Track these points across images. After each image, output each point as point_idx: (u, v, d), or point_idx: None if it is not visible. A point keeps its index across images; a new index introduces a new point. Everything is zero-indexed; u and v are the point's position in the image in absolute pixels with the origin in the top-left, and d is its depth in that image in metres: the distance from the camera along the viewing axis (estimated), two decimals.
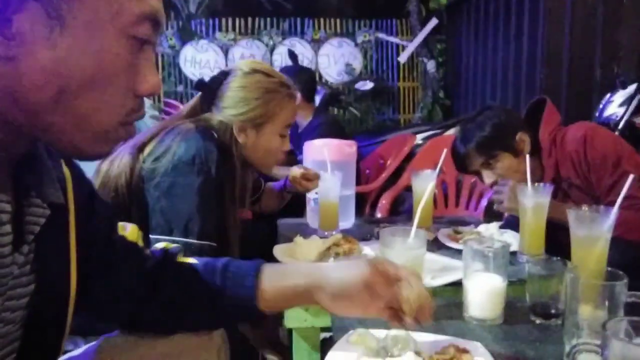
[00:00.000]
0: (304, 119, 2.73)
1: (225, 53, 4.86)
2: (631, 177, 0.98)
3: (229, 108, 1.29)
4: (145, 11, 0.55)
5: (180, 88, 4.79)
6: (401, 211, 2.51)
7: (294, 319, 1.13)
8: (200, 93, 1.35)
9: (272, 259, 1.24)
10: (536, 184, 1.26)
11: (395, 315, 0.75)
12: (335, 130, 2.45)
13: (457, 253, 1.30)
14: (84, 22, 0.51)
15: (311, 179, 1.52)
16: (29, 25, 0.49)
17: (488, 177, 1.53)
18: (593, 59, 3.01)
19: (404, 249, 0.93)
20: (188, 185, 1.17)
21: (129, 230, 0.82)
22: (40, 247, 0.61)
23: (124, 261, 0.77)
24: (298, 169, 1.55)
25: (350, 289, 0.73)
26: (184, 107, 1.38)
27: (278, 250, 1.30)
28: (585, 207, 1.03)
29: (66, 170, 0.68)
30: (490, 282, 0.93)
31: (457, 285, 1.07)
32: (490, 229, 1.43)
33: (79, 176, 0.70)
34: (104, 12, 0.52)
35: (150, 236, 1.17)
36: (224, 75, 1.32)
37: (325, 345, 1.47)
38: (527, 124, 1.55)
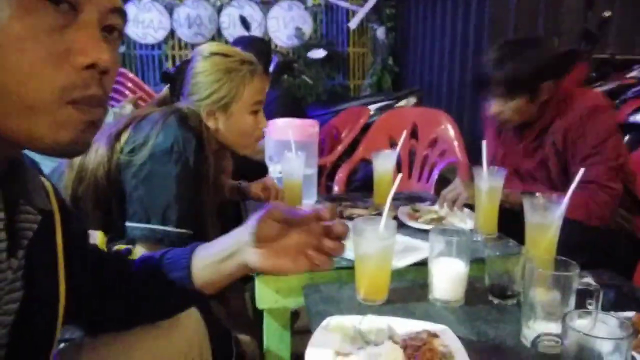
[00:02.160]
0: None
1: (170, 13, 4.69)
2: (582, 170, 1.06)
3: (194, 94, 1.29)
4: None
5: (122, 49, 4.59)
6: (354, 180, 2.58)
7: (265, 300, 1.17)
8: (168, 85, 1.34)
9: None
10: (492, 167, 1.34)
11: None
12: (291, 103, 2.46)
13: (417, 232, 1.37)
14: None
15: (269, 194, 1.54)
16: None
17: (495, 107, 1.54)
18: (536, 33, 3.13)
19: (375, 238, 0.98)
20: (166, 174, 1.18)
21: (96, 238, 0.82)
22: (29, 253, 0.61)
23: (98, 271, 0.78)
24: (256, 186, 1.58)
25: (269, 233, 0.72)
26: (154, 99, 1.36)
27: None
28: (538, 194, 1.11)
29: (44, 179, 0.68)
30: (454, 267, 1.00)
31: (420, 265, 1.15)
32: (445, 211, 1.50)
33: (56, 186, 0.71)
34: None
35: (127, 224, 1.17)
36: (186, 64, 1.32)
37: (293, 320, 1.54)
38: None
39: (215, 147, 1.31)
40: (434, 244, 1.02)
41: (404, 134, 1.61)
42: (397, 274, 1.14)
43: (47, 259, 0.66)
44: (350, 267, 1.07)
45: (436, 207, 1.55)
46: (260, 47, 2.77)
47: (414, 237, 1.33)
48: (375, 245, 0.99)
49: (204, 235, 1.24)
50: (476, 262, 1.11)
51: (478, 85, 1.57)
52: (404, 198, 1.72)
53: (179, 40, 4.75)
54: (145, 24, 4.69)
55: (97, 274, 0.79)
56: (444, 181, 2.26)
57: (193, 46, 4.71)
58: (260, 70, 1.36)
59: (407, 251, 1.24)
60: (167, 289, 0.79)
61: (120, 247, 0.89)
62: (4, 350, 0.61)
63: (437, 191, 2.19)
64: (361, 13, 4.76)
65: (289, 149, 1.52)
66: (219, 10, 4.76)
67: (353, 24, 4.81)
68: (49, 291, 0.66)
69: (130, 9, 4.57)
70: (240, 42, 2.92)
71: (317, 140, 1.67)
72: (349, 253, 1.08)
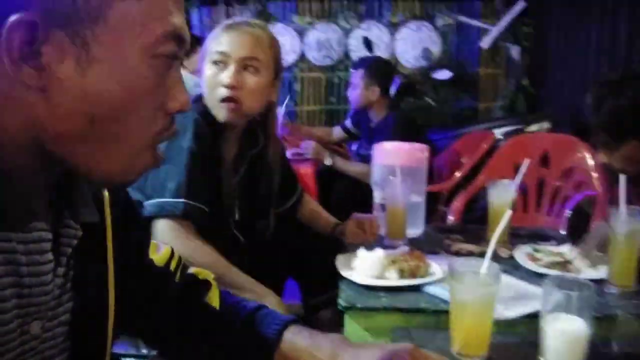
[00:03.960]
0: (378, 114, 2.66)
1: (301, 37, 4.82)
2: None
3: None
4: (167, 30, 0.53)
5: None
6: (476, 209, 2.38)
7: (353, 338, 1.08)
8: None
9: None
10: (632, 207, 1.12)
11: None
12: (409, 129, 2.36)
13: (535, 277, 1.19)
14: (108, 47, 0.50)
15: (365, 229, 1.43)
16: (56, 55, 0.48)
17: (602, 158, 1.33)
18: None
19: (474, 284, 0.85)
20: (179, 148, 1.22)
21: (161, 252, 0.80)
22: (78, 265, 0.62)
23: (151, 288, 0.78)
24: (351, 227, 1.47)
25: None
26: None
27: (340, 260, 1.25)
28: None
29: (104, 190, 0.68)
30: (572, 327, 0.83)
31: (534, 317, 0.98)
32: (574, 253, 1.29)
33: (118, 195, 0.70)
34: (127, 36, 0.51)
35: (145, 203, 1.23)
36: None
37: None
38: None
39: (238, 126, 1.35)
40: (549, 296, 0.85)
41: (526, 161, 1.43)
42: (504, 325, 0.99)
43: (96, 271, 0.66)
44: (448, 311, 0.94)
45: (563, 248, 1.34)
46: (381, 67, 2.72)
47: (531, 283, 1.15)
48: (475, 293, 0.85)
49: (227, 215, 1.32)
50: (605, 319, 0.92)
51: (578, 133, 1.35)
52: (526, 235, 1.52)
53: (309, 63, 4.86)
54: None
55: (155, 292, 0.78)
56: (579, 215, 2.00)
57: (321, 68, 4.80)
58: (236, 26, 1.32)
59: (519, 299, 1.08)
60: (251, 344, 0.79)
61: (199, 272, 0.85)
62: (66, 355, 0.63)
63: (570, 228, 1.95)
64: (494, 32, 4.50)
65: (394, 174, 1.42)
66: (348, 34, 4.80)
67: (485, 43, 4.56)
68: (97, 302, 0.66)
69: None
70: (361, 62, 2.90)
71: (426, 165, 1.54)
72: (446, 293, 0.95)
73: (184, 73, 1.89)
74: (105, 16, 0.49)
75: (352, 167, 2.53)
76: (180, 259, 0.83)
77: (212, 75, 1.30)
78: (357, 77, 2.71)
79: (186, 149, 1.24)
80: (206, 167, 1.28)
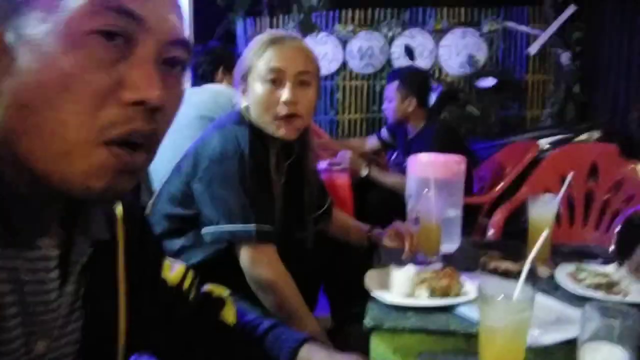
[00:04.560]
0: (415, 126, 2.59)
1: (344, 45, 4.81)
2: None
3: None
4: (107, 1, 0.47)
5: None
6: (520, 222, 2.29)
7: (380, 358, 1.04)
8: None
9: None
10: None
11: None
12: (448, 142, 2.28)
13: (578, 299, 1.12)
14: (38, 26, 0.47)
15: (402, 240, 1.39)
16: None
17: None
18: None
19: (505, 309, 0.80)
20: (227, 174, 1.22)
21: (175, 271, 0.79)
22: (89, 283, 0.61)
23: (164, 307, 0.76)
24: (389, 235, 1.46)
25: None
26: None
27: (369, 277, 1.21)
28: None
29: (118, 207, 0.67)
30: (613, 358, 0.76)
31: (574, 344, 0.91)
32: (621, 273, 1.21)
33: (132, 212, 0.68)
34: (57, 12, 0.47)
35: (202, 231, 1.25)
36: None
37: None
38: None
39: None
40: (588, 323, 0.79)
41: (570, 174, 1.35)
42: (542, 352, 0.93)
43: (107, 289, 0.65)
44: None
45: (609, 267, 1.26)
46: (416, 77, 2.65)
47: (572, 305, 1.08)
48: (506, 319, 0.80)
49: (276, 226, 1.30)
50: None
51: (624, 148, 1.27)
52: (569, 252, 1.44)
53: (351, 71, 4.84)
54: (320, 57, 4.87)
55: (167, 312, 0.77)
56: (629, 230, 1.89)
57: (363, 77, 4.77)
58: (283, 40, 1.30)
59: (559, 323, 1.01)
60: None
61: (213, 289, 0.84)
62: None
63: (620, 244, 1.84)
64: (543, 37, 4.35)
65: (428, 187, 1.37)
66: (391, 41, 4.75)
67: (533, 49, 4.41)
68: (108, 320, 0.65)
69: (309, 43, 4.80)
70: (395, 74, 2.85)
71: (462, 178, 1.48)
72: (476, 314, 0.90)
73: (223, 87, 1.90)
74: None
75: (388, 178, 2.47)
76: (194, 277, 0.82)
77: (268, 93, 1.28)
78: (391, 89, 2.64)
79: (243, 169, 1.23)
80: (263, 184, 1.29)
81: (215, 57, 2.42)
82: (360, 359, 0.76)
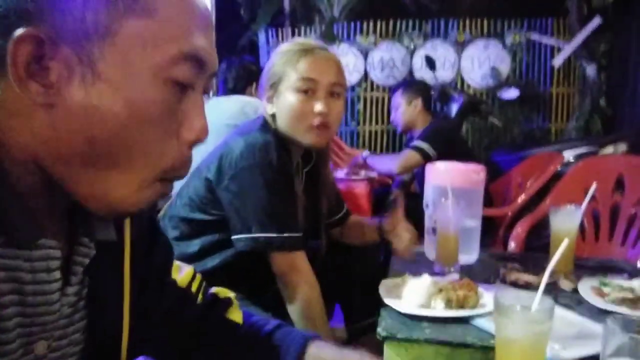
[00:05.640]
0: (420, 127, 2.67)
1: (365, 56, 4.80)
2: None
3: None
4: (183, 51, 0.49)
5: None
6: (543, 237, 2.23)
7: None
8: None
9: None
10: None
11: None
12: (442, 136, 2.39)
13: (601, 314, 1.07)
14: (116, 65, 0.47)
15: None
16: (64, 72, 0.46)
17: None
18: None
19: (522, 320, 0.76)
20: (254, 183, 1.22)
21: (183, 273, 0.78)
22: (93, 284, 0.60)
23: (172, 309, 0.75)
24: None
25: None
26: None
27: (384, 286, 1.18)
28: None
29: None
30: None
31: (595, 359, 0.87)
32: None
33: (140, 214, 0.67)
34: (137, 55, 0.47)
35: (232, 237, 1.24)
36: None
37: None
38: None
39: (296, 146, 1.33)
40: (610, 338, 0.75)
41: (594, 185, 1.31)
42: None
43: (112, 290, 0.63)
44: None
45: (635, 282, 1.20)
46: (417, 82, 2.97)
47: (595, 320, 1.03)
48: (523, 330, 0.76)
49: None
50: None
51: None
52: (594, 266, 1.39)
53: (372, 82, 4.82)
54: None
55: (175, 312, 0.75)
56: None
57: (384, 88, 4.75)
58: (316, 51, 1.29)
59: (581, 338, 0.97)
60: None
61: (219, 291, 0.83)
62: None
63: None
64: (568, 49, 4.28)
65: (446, 196, 1.34)
66: (412, 53, 4.72)
67: (557, 61, 4.35)
68: (111, 322, 0.64)
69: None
70: (397, 86, 3.01)
71: (482, 188, 1.45)
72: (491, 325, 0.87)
73: (251, 98, 1.90)
74: (114, 33, 0.47)
75: (383, 163, 2.58)
76: (202, 281, 0.80)
77: (301, 103, 1.27)
78: (397, 97, 2.79)
79: (273, 176, 1.24)
80: (291, 191, 1.30)
81: (249, 72, 2.43)
82: (369, 356, 0.73)
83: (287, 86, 1.28)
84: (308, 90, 1.27)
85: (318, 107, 1.27)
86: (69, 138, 0.48)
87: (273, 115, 1.33)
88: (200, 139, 0.53)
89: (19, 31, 0.45)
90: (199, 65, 0.51)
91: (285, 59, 1.29)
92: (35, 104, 0.47)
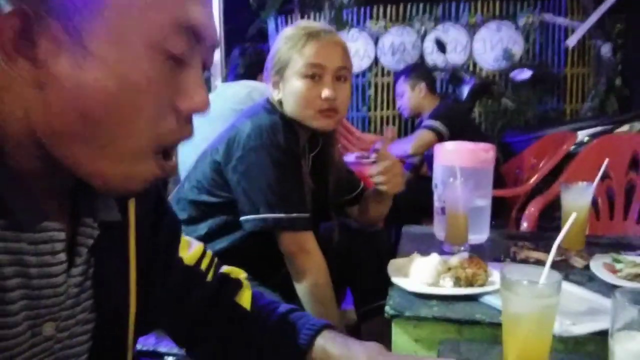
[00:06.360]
0: (428, 110, 2.67)
1: (375, 41, 4.75)
2: None
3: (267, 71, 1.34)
4: (177, 21, 0.47)
5: None
6: (556, 218, 2.20)
7: (401, 350, 1.01)
8: None
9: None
10: None
11: None
12: (453, 114, 2.40)
13: (614, 289, 1.05)
14: (106, 40, 0.46)
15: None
16: (52, 47, 0.45)
17: None
18: None
19: (529, 295, 0.75)
20: (262, 163, 1.22)
21: (192, 250, 0.77)
22: (99, 263, 0.60)
23: (179, 287, 0.75)
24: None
25: None
26: None
27: (392, 266, 1.18)
28: None
29: None
30: None
31: (606, 334, 0.86)
32: None
33: (146, 192, 0.67)
34: (127, 28, 0.46)
35: (241, 218, 1.25)
36: None
37: None
38: None
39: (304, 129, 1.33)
40: (620, 311, 0.74)
41: (606, 161, 1.29)
42: (572, 343, 0.88)
43: (117, 269, 0.64)
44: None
45: None
46: (419, 66, 3.09)
47: (607, 297, 1.02)
48: (530, 305, 0.75)
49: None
50: None
51: None
52: (607, 244, 1.37)
53: (382, 68, 4.78)
54: (352, 53, 4.83)
55: (182, 290, 0.76)
56: None
57: (395, 73, 4.70)
58: (322, 35, 1.27)
59: (592, 314, 0.96)
60: (283, 348, 0.76)
61: (231, 270, 0.83)
62: (85, 356, 0.61)
63: None
64: (582, 29, 4.19)
65: (454, 175, 1.33)
66: (423, 37, 4.66)
67: (571, 41, 4.26)
68: (118, 301, 0.64)
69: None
70: (400, 72, 3.01)
71: (491, 167, 1.43)
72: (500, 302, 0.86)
73: (258, 83, 1.90)
74: (103, 6, 0.46)
75: (396, 146, 2.60)
76: (212, 258, 0.80)
77: (308, 88, 1.27)
78: (400, 84, 2.82)
79: (280, 157, 1.24)
80: (298, 173, 1.30)
81: (262, 59, 2.42)
82: (378, 348, 0.72)
83: (294, 72, 1.28)
84: (315, 76, 1.26)
85: (325, 92, 1.26)
86: (62, 115, 0.47)
87: (280, 101, 1.33)
88: (198, 109, 0.52)
89: (6, 7, 0.45)
90: (195, 37, 0.50)
91: (291, 44, 1.28)
92: (26, 81, 0.47)
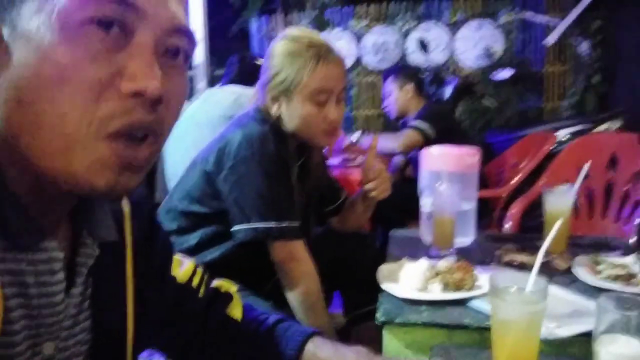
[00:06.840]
0: (414, 111, 2.70)
1: (358, 40, 4.77)
2: None
3: (262, 80, 1.32)
4: None
5: None
6: (536, 217, 2.25)
7: (392, 353, 1.03)
8: None
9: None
10: None
11: None
12: (439, 116, 2.42)
13: (595, 291, 1.09)
14: (30, 18, 0.45)
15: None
16: None
17: None
18: None
19: (517, 301, 0.78)
20: (252, 173, 1.23)
21: (184, 268, 0.79)
22: (97, 284, 0.61)
23: (173, 305, 0.76)
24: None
25: None
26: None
27: (382, 271, 1.20)
28: None
29: (125, 204, 0.66)
30: (630, 351, 0.74)
31: (590, 336, 0.89)
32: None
33: (139, 211, 0.68)
34: (45, 1, 0.45)
35: (232, 229, 1.26)
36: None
37: None
38: None
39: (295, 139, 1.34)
40: (603, 314, 0.77)
41: (587, 164, 1.32)
42: (558, 345, 0.91)
43: (115, 289, 0.64)
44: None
45: (627, 259, 1.23)
46: (407, 67, 3.20)
47: (589, 298, 1.05)
48: (518, 312, 0.78)
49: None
50: None
51: None
52: (587, 244, 1.41)
53: (366, 67, 4.80)
54: None
55: (175, 309, 0.77)
56: None
57: (378, 72, 4.73)
58: (330, 57, 1.27)
59: (575, 316, 0.99)
60: (273, 357, 0.77)
61: (222, 284, 0.84)
62: None
63: None
64: (561, 27, 4.25)
65: (441, 180, 1.36)
66: (406, 35, 4.69)
67: (551, 39, 4.32)
68: (116, 321, 0.64)
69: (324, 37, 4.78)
70: (387, 72, 3.05)
71: (477, 170, 1.46)
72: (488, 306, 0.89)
73: (245, 89, 1.86)
74: None
75: (383, 142, 2.59)
76: (203, 274, 0.82)
77: (317, 112, 1.27)
78: (388, 84, 2.83)
79: (271, 167, 1.25)
80: (288, 182, 1.31)
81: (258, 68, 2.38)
82: (366, 352, 0.75)
83: (303, 95, 1.26)
84: (324, 101, 1.28)
85: (332, 115, 1.28)
86: (7, 109, 0.47)
87: (277, 116, 1.31)
88: (141, 91, 0.47)
89: None
90: (123, 4, 0.46)
91: (299, 65, 1.24)
92: None
